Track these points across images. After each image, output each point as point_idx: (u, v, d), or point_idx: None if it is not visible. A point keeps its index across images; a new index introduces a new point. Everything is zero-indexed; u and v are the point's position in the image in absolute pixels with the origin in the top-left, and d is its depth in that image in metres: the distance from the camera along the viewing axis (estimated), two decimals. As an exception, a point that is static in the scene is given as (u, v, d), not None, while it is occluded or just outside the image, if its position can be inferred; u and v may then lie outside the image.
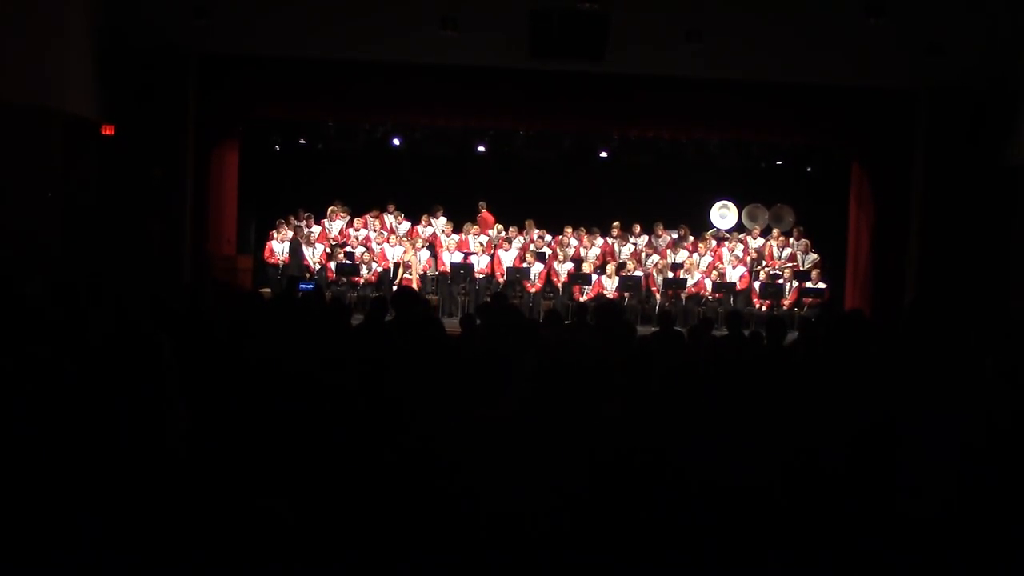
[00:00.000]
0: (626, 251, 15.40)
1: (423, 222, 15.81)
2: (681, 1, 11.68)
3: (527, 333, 4.62)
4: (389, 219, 15.83)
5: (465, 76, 13.42)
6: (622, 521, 2.39)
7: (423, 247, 15.08)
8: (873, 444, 3.14)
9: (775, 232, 15.79)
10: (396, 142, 15.81)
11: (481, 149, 15.96)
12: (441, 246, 15.15)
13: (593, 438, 2.18)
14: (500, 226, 15.74)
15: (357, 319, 7.86)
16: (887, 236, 14.09)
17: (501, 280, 14.56)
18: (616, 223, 15.82)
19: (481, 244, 15.19)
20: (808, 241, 15.34)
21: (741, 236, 15.77)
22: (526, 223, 15.78)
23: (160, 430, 2.23)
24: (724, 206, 16.92)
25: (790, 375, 4.62)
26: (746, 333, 9.09)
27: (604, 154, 16.19)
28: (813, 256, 15.08)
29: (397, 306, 5.85)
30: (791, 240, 15.49)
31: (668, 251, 15.32)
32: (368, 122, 15.30)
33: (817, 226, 16.23)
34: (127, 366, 2.27)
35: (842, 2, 11.38)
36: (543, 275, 14.66)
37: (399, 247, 14.84)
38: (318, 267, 14.62)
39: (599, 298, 13.77)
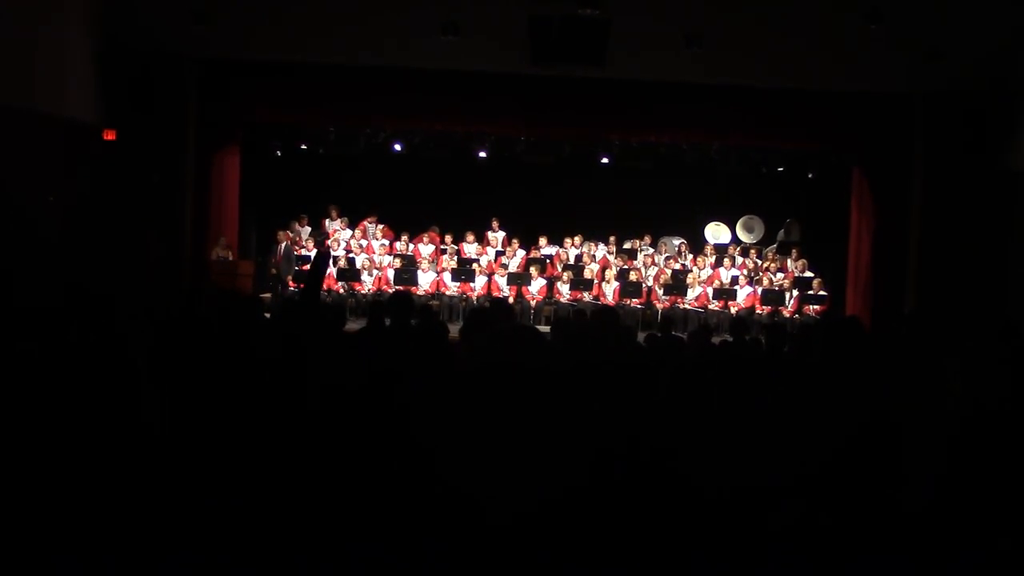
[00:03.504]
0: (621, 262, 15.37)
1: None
2: (681, 6, 11.69)
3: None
4: (370, 229, 15.88)
5: (466, 81, 13.43)
6: (620, 524, 2.37)
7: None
8: (870, 445, 3.13)
9: (769, 255, 15.75)
10: (397, 147, 15.81)
11: (482, 154, 15.96)
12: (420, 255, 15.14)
13: (566, 440, 2.16)
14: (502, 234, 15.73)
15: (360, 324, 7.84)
16: (888, 241, 14.10)
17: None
18: (612, 237, 15.87)
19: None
20: (805, 260, 15.29)
21: (741, 260, 15.62)
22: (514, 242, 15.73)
23: (132, 425, 2.24)
24: (716, 225, 16.96)
25: (787, 379, 4.60)
26: (746, 338, 9.12)
27: (605, 160, 16.19)
28: (810, 275, 14.98)
29: (393, 311, 5.83)
30: (788, 261, 15.45)
31: (667, 266, 15.33)
32: (369, 127, 15.30)
33: (818, 231, 16.23)
34: (100, 362, 2.28)
35: (842, 8, 11.39)
36: (543, 289, 14.65)
37: (386, 256, 14.91)
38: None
39: (597, 305, 13.77)
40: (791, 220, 16.77)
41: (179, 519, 2.17)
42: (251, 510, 3.06)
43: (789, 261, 15.42)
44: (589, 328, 6.45)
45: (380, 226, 15.98)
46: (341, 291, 14.52)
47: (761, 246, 16.45)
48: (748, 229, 16.79)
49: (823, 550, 2.53)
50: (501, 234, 15.74)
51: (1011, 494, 2.82)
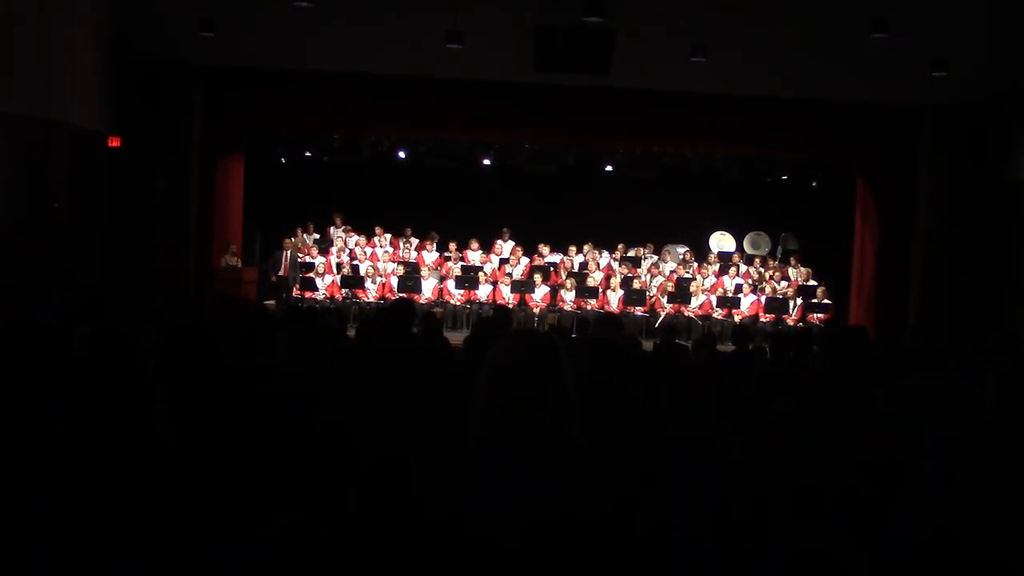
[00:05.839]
0: (625, 270, 15.34)
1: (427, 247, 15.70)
2: (687, 16, 11.69)
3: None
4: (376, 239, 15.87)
5: (470, 89, 13.45)
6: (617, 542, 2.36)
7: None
8: (872, 456, 3.12)
9: (771, 264, 15.75)
10: (401, 155, 15.84)
11: (486, 162, 15.98)
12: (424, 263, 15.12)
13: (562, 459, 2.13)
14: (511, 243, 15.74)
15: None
16: (892, 250, 14.09)
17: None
18: (621, 245, 15.89)
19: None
20: (810, 269, 15.28)
21: (744, 267, 15.63)
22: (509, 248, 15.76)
23: (135, 430, 2.25)
24: (722, 235, 16.99)
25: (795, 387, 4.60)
26: (750, 347, 9.10)
27: (609, 168, 16.21)
28: (814, 283, 14.98)
29: (393, 319, 5.82)
30: (789, 269, 15.44)
31: (674, 274, 15.33)
32: (373, 134, 15.34)
33: (822, 241, 16.22)
34: (107, 367, 2.30)
35: (847, 18, 11.39)
36: (547, 296, 14.65)
37: (390, 263, 14.95)
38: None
39: (601, 312, 13.76)
40: (786, 234, 16.83)
41: (187, 524, 2.18)
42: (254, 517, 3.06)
43: (791, 270, 15.40)
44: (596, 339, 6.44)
45: (388, 237, 15.95)
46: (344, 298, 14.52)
47: (765, 256, 16.47)
48: (755, 245, 16.84)
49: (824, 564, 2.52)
50: (510, 244, 15.73)
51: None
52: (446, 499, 2.10)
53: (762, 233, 16.94)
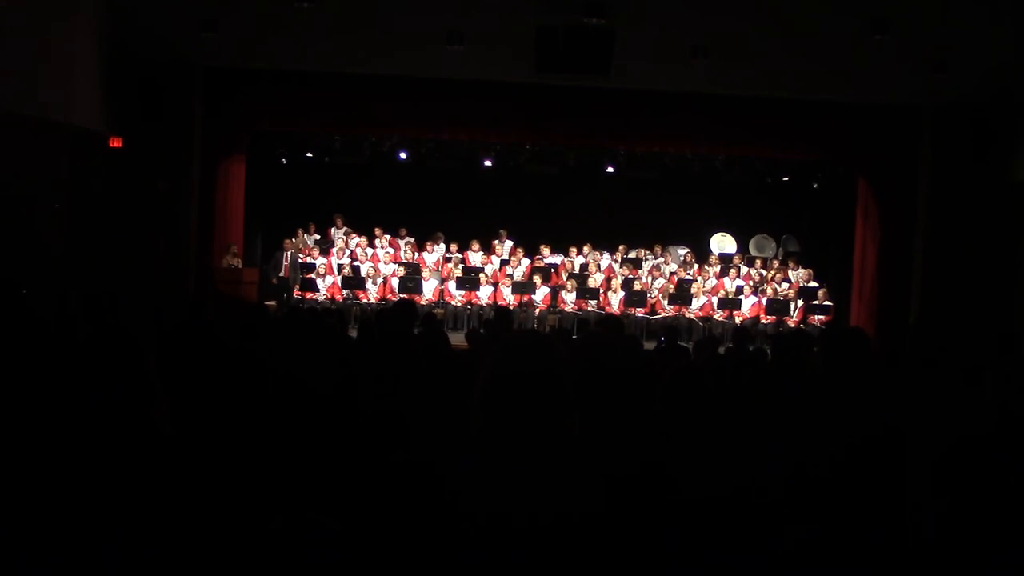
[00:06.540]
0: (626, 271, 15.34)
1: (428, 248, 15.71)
2: (687, 17, 11.70)
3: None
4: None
5: (471, 90, 13.45)
6: (620, 537, 2.36)
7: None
8: (873, 458, 3.12)
9: (774, 264, 15.75)
10: (402, 156, 15.84)
11: (487, 163, 15.98)
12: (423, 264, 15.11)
13: (565, 453, 2.14)
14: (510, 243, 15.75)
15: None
16: (893, 251, 14.09)
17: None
18: (622, 246, 15.90)
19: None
20: (810, 270, 15.27)
21: (746, 269, 15.63)
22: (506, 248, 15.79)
23: (138, 427, 2.25)
24: (723, 236, 17.00)
25: (792, 390, 4.59)
26: (750, 348, 9.11)
27: (610, 169, 16.21)
28: (815, 285, 14.98)
29: (392, 318, 5.83)
30: (789, 272, 15.43)
31: (675, 276, 15.33)
32: (374, 135, 15.34)
33: (823, 242, 16.22)
34: (105, 365, 2.30)
35: (848, 19, 11.39)
36: (548, 298, 14.65)
37: (391, 264, 14.96)
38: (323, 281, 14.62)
39: (602, 313, 13.77)
40: (787, 236, 16.86)
41: (188, 519, 2.19)
42: (254, 514, 3.06)
43: (790, 272, 15.39)
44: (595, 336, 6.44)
45: (388, 238, 15.96)
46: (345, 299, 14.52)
47: (764, 269, 16.47)
48: (760, 248, 16.84)
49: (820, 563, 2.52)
50: (509, 244, 15.74)
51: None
52: (447, 493, 2.11)
53: (768, 236, 16.95)
